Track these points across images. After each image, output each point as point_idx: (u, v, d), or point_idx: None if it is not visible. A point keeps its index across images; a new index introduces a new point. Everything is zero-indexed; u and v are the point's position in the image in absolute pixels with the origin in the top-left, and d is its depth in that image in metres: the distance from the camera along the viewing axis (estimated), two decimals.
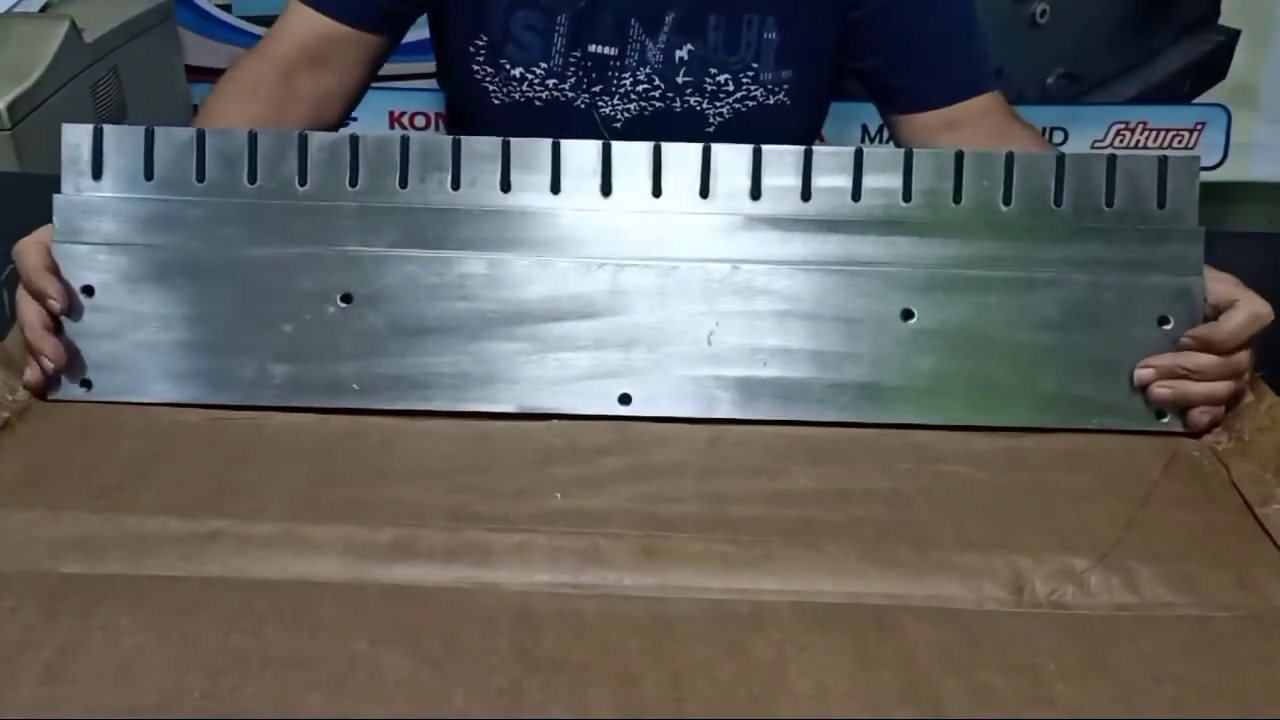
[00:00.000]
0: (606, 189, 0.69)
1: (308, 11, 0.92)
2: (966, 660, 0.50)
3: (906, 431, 0.68)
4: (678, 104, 0.96)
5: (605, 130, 0.96)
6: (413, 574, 0.55)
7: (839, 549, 0.58)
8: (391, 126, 1.80)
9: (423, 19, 1.01)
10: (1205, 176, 0.71)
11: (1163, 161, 0.69)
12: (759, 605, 0.54)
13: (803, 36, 0.95)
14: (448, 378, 0.68)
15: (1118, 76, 1.78)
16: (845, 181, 0.69)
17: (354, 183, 0.68)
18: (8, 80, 1.26)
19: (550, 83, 0.95)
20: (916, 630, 0.52)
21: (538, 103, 0.96)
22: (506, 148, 0.69)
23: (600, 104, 0.96)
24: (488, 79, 0.96)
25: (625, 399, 0.68)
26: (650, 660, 0.50)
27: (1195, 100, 1.79)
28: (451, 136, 0.69)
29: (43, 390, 0.68)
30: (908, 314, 0.69)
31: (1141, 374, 0.68)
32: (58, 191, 0.69)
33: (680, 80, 0.95)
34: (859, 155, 0.69)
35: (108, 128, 0.69)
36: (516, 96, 0.96)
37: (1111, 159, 0.69)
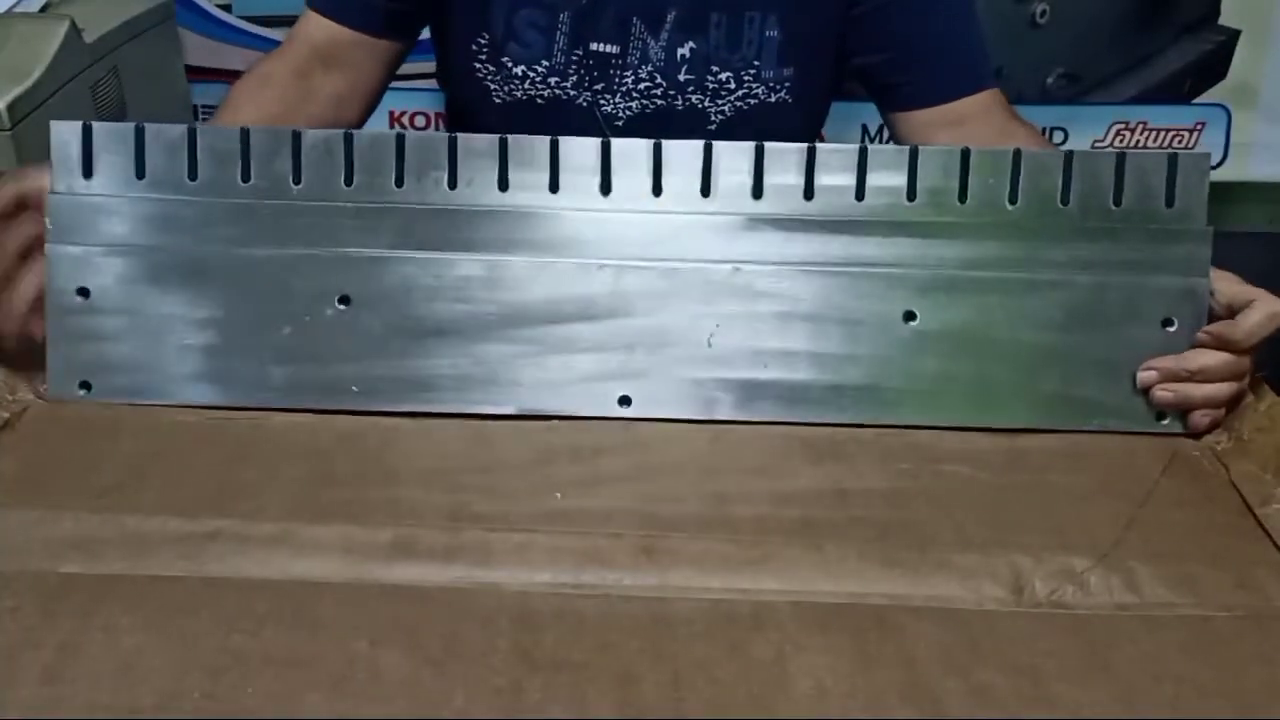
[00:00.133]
0: (606, 188, 0.69)
1: (316, 17, 0.92)
2: (966, 660, 0.50)
3: (906, 431, 0.68)
4: (679, 102, 0.96)
5: (607, 129, 0.96)
6: (413, 574, 0.55)
7: (839, 549, 0.58)
8: (391, 126, 1.80)
9: None
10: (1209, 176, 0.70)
11: (1173, 159, 0.68)
12: (759, 605, 0.54)
13: (804, 34, 0.95)
14: (448, 380, 0.68)
15: (1118, 76, 1.78)
16: (849, 180, 0.68)
17: (349, 181, 0.68)
18: (8, 80, 1.25)
19: (552, 81, 0.95)
20: (916, 630, 0.52)
21: (539, 101, 0.96)
22: (504, 145, 0.68)
23: (602, 102, 0.96)
24: (489, 77, 0.96)
25: (625, 400, 0.68)
26: (650, 660, 0.50)
27: (1195, 100, 1.78)
28: (447, 134, 0.68)
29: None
30: (910, 316, 0.68)
31: (1144, 376, 0.68)
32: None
33: (682, 78, 0.95)
34: (863, 153, 0.68)
35: (97, 125, 0.68)
36: (518, 95, 0.96)
37: (1121, 156, 0.68)
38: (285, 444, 0.65)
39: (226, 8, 1.69)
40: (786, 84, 0.96)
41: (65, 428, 0.66)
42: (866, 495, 0.62)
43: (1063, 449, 0.67)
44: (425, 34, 1.03)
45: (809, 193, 0.69)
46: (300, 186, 0.68)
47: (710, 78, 0.95)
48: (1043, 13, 1.72)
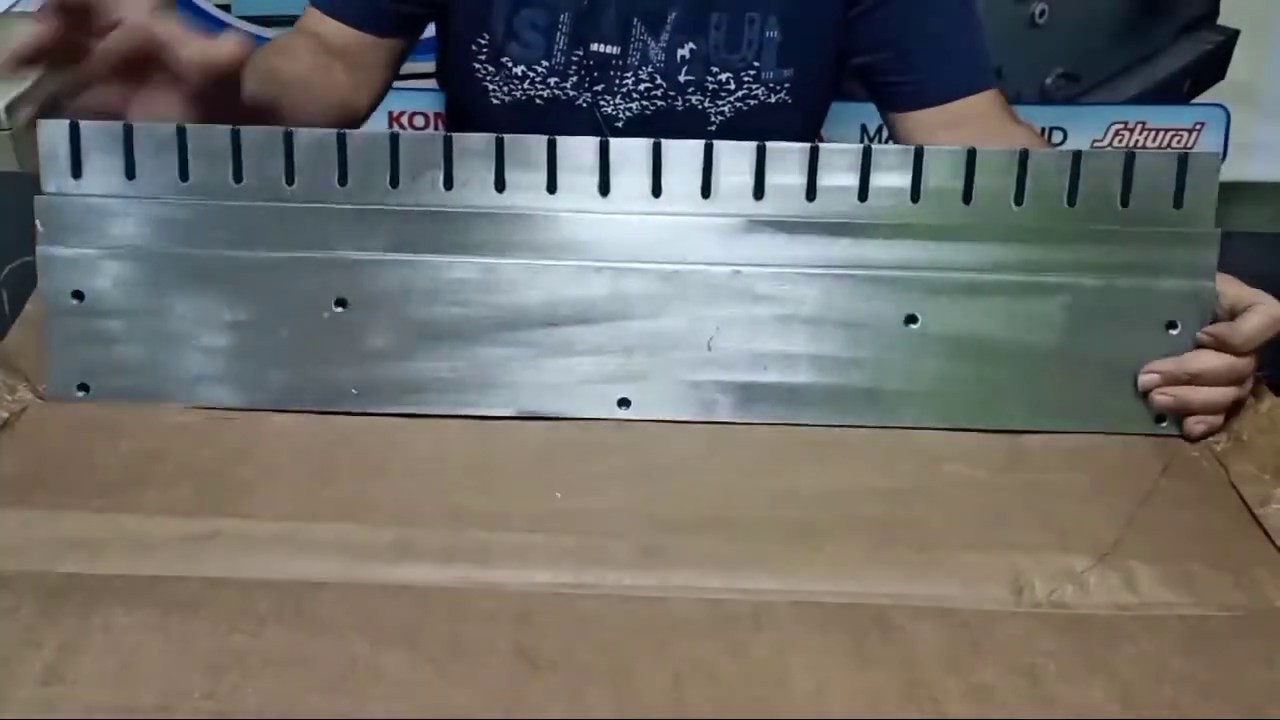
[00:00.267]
0: (605, 188, 0.68)
1: (320, 15, 0.93)
2: (966, 660, 0.50)
3: (906, 431, 0.68)
4: (679, 103, 0.96)
5: (607, 129, 0.96)
6: (413, 574, 0.55)
7: (839, 549, 0.58)
8: (390, 126, 1.80)
9: None
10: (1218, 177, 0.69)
11: (1183, 160, 0.67)
12: (759, 605, 0.54)
13: (804, 35, 0.95)
14: (446, 383, 0.68)
15: (1117, 76, 1.78)
16: (852, 180, 0.67)
17: (343, 181, 0.67)
18: (7, 80, 1.25)
19: (552, 81, 0.95)
20: (916, 630, 0.52)
21: (539, 101, 0.96)
22: (500, 145, 0.67)
23: (602, 103, 0.96)
24: (489, 78, 0.96)
25: (624, 403, 0.68)
26: (650, 660, 0.50)
27: (1195, 100, 1.78)
28: (443, 134, 0.67)
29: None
30: (911, 319, 0.68)
31: (1145, 379, 0.68)
32: None
33: (682, 79, 0.95)
34: (867, 154, 0.67)
35: (85, 124, 0.67)
36: (518, 95, 0.96)
37: (1130, 156, 0.67)
38: (285, 444, 0.65)
39: (226, 8, 1.68)
40: (786, 85, 0.96)
41: (65, 428, 0.66)
42: (866, 495, 0.62)
43: (1063, 449, 0.67)
44: (425, 33, 1.03)
45: (811, 193, 0.68)
46: (294, 187, 0.67)
47: (710, 78, 0.95)
48: (1042, 13, 1.72)
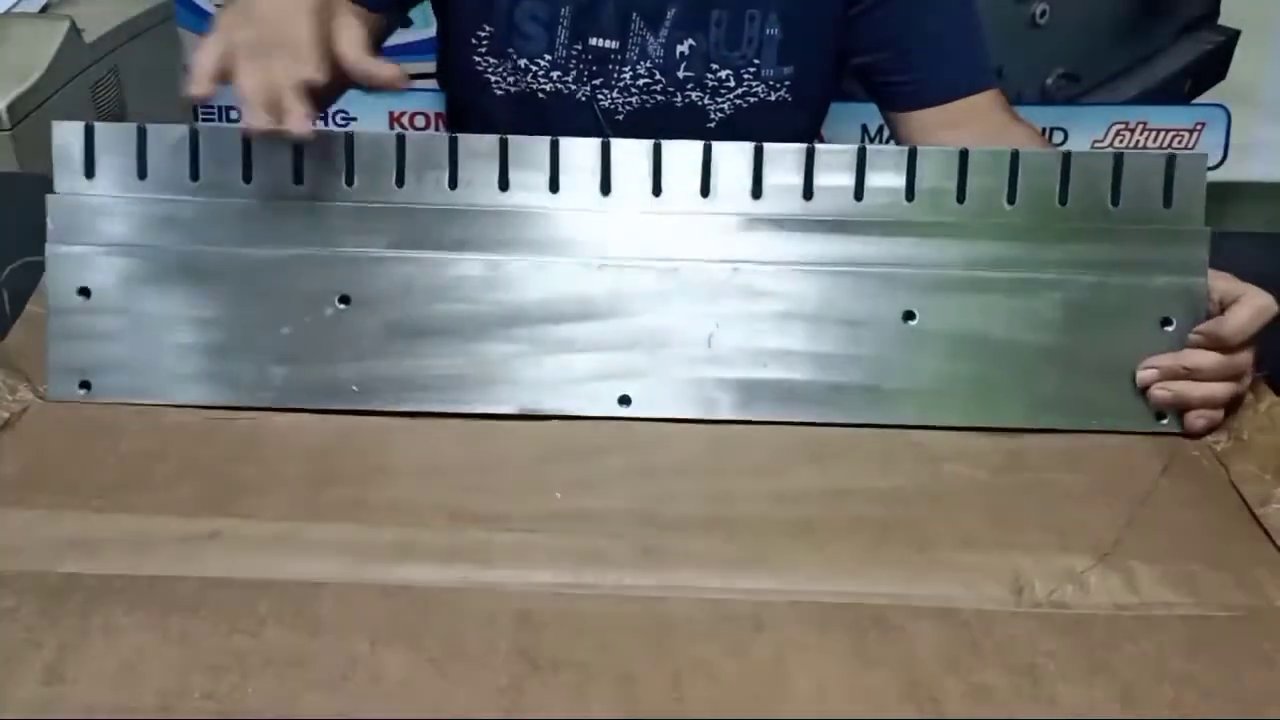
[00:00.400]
0: (606, 188, 0.69)
1: None
2: (966, 660, 0.51)
3: (906, 431, 0.68)
4: (679, 99, 0.96)
5: (607, 123, 0.96)
6: (413, 574, 0.55)
7: (839, 549, 0.58)
8: (391, 127, 1.80)
9: (429, 15, 1.01)
10: (1206, 176, 0.71)
11: (1170, 160, 0.69)
12: (759, 605, 0.54)
13: (804, 33, 0.95)
14: (448, 380, 0.68)
15: (1117, 76, 1.78)
16: (848, 180, 0.69)
17: (350, 181, 0.68)
18: (8, 80, 1.25)
19: (554, 74, 0.95)
20: (916, 630, 0.52)
21: (541, 94, 0.96)
22: (504, 145, 0.68)
23: (600, 97, 0.96)
24: (490, 70, 0.96)
25: (625, 400, 0.68)
26: (650, 660, 0.50)
27: (1195, 100, 1.79)
28: (448, 134, 0.68)
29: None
30: (909, 315, 0.68)
31: (1144, 375, 0.68)
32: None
33: (681, 75, 0.95)
34: (862, 154, 0.68)
35: (99, 126, 0.68)
36: (521, 87, 0.96)
37: (1119, 157, 0.68)
38: (285, 444, 0.65)
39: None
40: (786, 83, 0.96)
41: (65, 428, 0.66)
42: (866, 495, 0.62)
43: (1063, 449, 0.67)
44: (425, 33, 1.03)
45: (808, 193, 0.69)
46: (301, 186, 0.68)
47: (710, 75, 0.95)
48: (1043, 13, 1.72)
